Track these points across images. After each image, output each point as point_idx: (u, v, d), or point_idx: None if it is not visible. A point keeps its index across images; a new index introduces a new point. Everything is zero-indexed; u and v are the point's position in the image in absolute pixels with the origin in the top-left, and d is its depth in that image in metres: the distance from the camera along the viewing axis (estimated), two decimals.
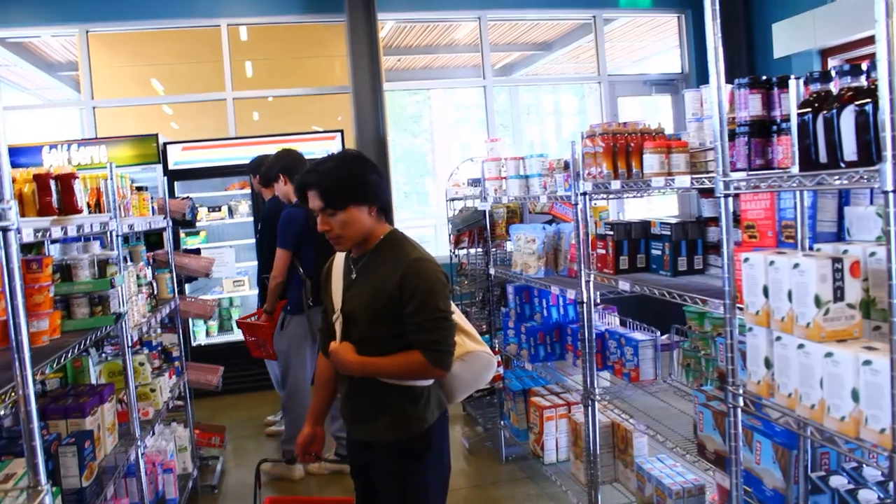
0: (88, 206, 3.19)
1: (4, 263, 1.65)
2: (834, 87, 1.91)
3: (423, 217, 10.35)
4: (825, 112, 1.85)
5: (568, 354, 4.26)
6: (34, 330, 2.61)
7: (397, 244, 2.59)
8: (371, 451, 2.63)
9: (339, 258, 2.71)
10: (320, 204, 2.49)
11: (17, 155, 6.58)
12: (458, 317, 2.68)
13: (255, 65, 8.87)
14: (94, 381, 3.40)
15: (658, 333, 3.67)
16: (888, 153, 1.58)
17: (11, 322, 1.65)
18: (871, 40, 6.80)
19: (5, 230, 1.66)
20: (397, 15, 8.54)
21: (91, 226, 2.98)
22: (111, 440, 3.10)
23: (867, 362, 1.71)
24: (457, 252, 6.15)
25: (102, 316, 3.04)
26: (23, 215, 2.55)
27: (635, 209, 8.69)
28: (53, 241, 3.47)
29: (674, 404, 3.49)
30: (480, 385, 2.81)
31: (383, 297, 2.47)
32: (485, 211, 5.09)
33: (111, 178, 3.38)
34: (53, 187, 2.67)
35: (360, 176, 2.54)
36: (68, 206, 2.76)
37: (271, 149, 7.27)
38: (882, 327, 1.93)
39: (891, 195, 1.59)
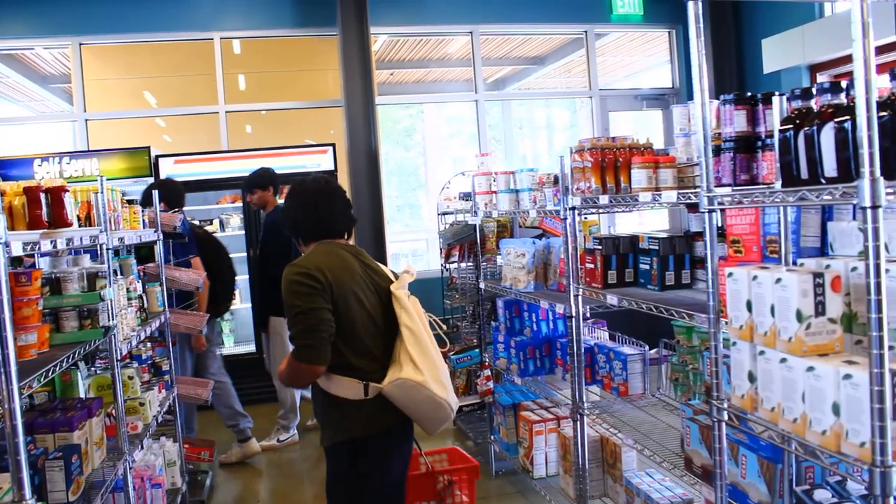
0: (79, 219, 3.19)
1: None
2: (815, 104, 1.94)
3: (415, 231, 10.36)
4: (806, 129, 1.88)
5: (557, 369, 4.27)
6: (22, 343, 2.60)
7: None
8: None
9: None
10: None
11: (9, 167, 6.59)
12: (412, 343, 2.79)
13: (247, 78, 8.90)
14: (82, 395, 3.39)
15: (647, 348, 3.69)
16: (866, 169, 1.61)
17: None
18: None
19: None
20: (390, 29, 8.59)
21: (81, 239, 2.98)
22: (99, 454, 3.09)
23: (847, 376, 1.73)
24: (447, 266, 6.16)
25: (91, 329, 3.04)
26: (13, 228, 2.56)
27: (626, 223, 8.74)
28: (43, 255, 3.47)
29: (662, 418, 3.50)
30: (431, 419, 2.87)
31: None
32: (475, 225, 5.10)
33: (102, 192, 3.39)
34: (44, 200, 2.67)
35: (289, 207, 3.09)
36: (58, 220, 2.76)
37: (264, 162, 7.31)
38: (864, 341, 1.94)
39: (869, 211, 1.61)
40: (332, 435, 2.87)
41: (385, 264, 7.94)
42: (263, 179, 5.94)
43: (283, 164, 7.37)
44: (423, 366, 2.76)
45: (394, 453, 2.90)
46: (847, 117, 1.76)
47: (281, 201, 5.47)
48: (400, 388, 2.74)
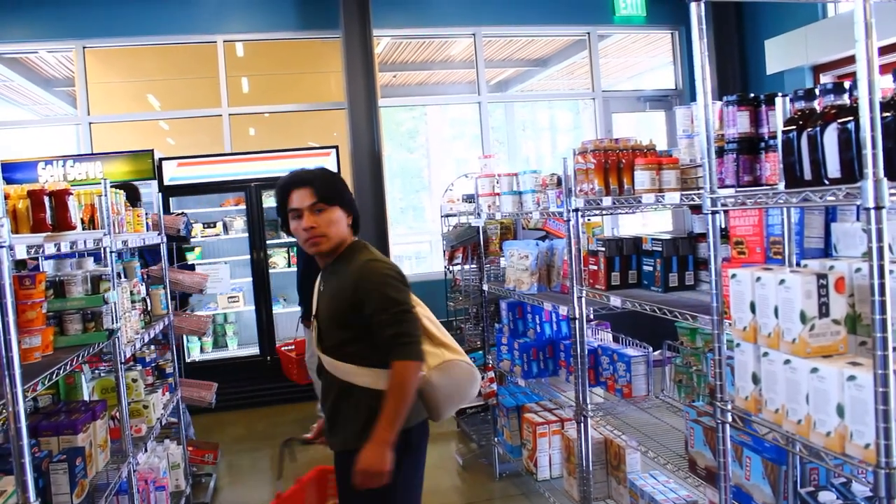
0: (83, 222, 3.20)
1: None
2: (818, 106, 1.94)
3: (418, 233, 10.36)
4: (809, 130, 1.88)
5: (561, 370, 4.26)
6: (26, 346, 2.61)
7: (357, 251, 2.71)
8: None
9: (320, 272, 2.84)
10: (312, 199, 2.61)
11: (13, 170, 6.60)
12: (434, 328, 2.72)
13: (250, 81, 8.91)
14: (86, 398, 3.40)
15: (650, 349, 3.69)
16: (869, 170, 1.61)
17: (2, 338, 1.66)
18: None
19: None
20: (393, 31, 8.60)
21: (85, 242, 2.99)
22: (103, 457, 3.09)
23: (852, 377, 1.72)
24: (451, 268, 6.16)
25: (95, 332, 3.04)
26: (17, 231, 2.56)
27: (629, 225, 8.72)
28: (47, 258, 3.48)
29: (666, 420, 3.49)
30: (465, 399, 2.77)
31: (343, 302, 2.59)
32: (478, 227, 5.10)
33: (105, 195, 3.40)
34: (47, 203, 2.68)
35: (345, 184, 2.79)
36: (62, 223, 2.77)
37: (267, 165, 7.34)
38: (868, 343, 1.94)
39: (873, 212, 1.61)
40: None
41: None
42: None
43: (286, 166, 7.37)
44: (452, 344, 2.74)
45: (425, 444, 2.79)
46: (850, 118, 1.75)
47: None
48: (446, 371, 2.63)
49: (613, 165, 3.29)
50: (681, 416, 3.25)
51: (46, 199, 2.68)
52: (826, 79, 7.38)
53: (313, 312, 2.82)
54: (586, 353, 3.67)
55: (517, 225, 5.49)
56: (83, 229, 3.18)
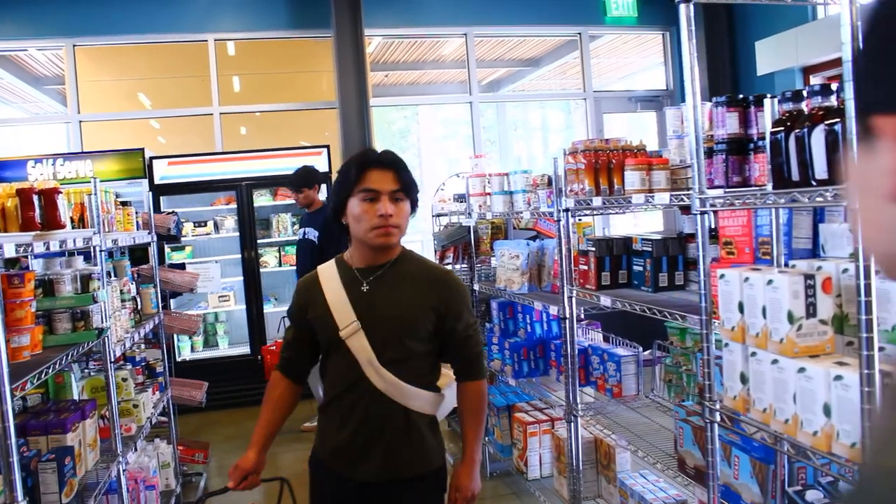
0: (72, 220, 3.19)
1: None
2: (806, 107, 1.95)
3: (409, 232, 10.29)
4: (797, 131, 1.89)
5: (552, 370, 4.27)
6: (15, 345, 2.60)
7: (418, 257, 2.49)
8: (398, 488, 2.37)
9: (328, 271, 2.43)
10: (394, 185, 2.31)
11: (2, 169, 6.57)
12: None
13: (242, 80, 8.89)
14: (76, 397, 3.39)
15: (640, 349, 3.70)
16: None
17: None
18: None
19: None
20: (384, 31, 8.60)
21: (74, 241, 2.98)
22: (92, 456, 3.09)
23: (838, 377, 1.74)
24: None
25: (85, 331, 3.03)
26: (5, 230, 2.56)
27: (620, 225, 8.75)
28: (36, 256, 3.47)
29: (656, 420, 3.50)
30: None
31: (425, 310, 2.32)
32: (469, 227, 5.11)
33: (95, 193, 3.39)
34: (36, 202, 2.67)
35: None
36: (51, 221, 2.76)
37: (258, 164, 7.33)
38: (854, 343, 1.95)
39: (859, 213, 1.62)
40: (439, 456, 2.47)
41: None
42: (311, 178, 6.02)
43: (277, 165, 7.37)
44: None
45: None
46: (837, 120, 1.77)
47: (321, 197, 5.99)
48: (452, 385, 2.52)
49: (604, 166, 3.30)
50: (670, 416, 3.26)
51: (35, 197, 2.68)
52: (816, 80, 7.41)
53: (352, 318, 2.31)
54: (576, 352, 3.68)
55: (508, 225, 5.50)
56: (73, 228, 3.17)
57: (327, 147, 7.51)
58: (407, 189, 2.36)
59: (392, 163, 2.35)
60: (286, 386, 2.50)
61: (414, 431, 2.34)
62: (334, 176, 7.16)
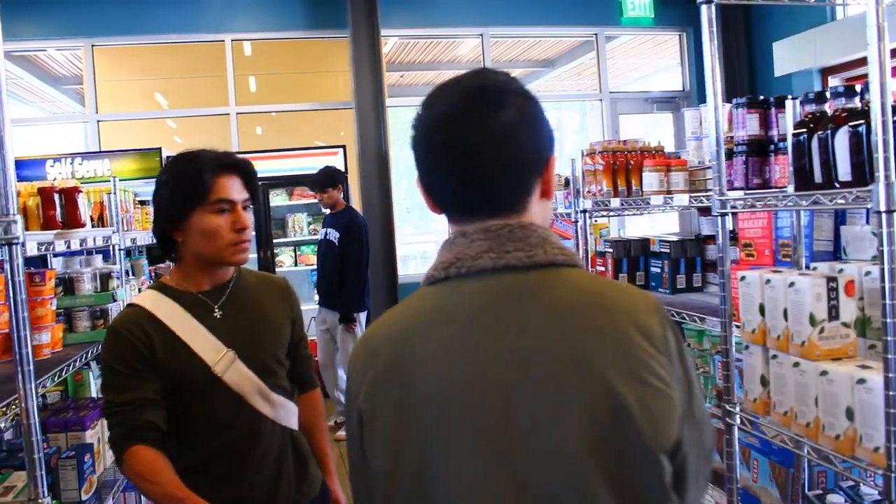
0: (92, 219, 3.21)
1: (10, 277, 1.68)
2: (829, 108, 1.94)
3: (424, 233, 10.36)
4: (820, 133, 1.88)
5: None
6: (36, 343, 2.62)
7: (248, 268, 2.20)
8: None
9: (161, 305, 1.96)
10: (245, 193, 2.04)
11: (21, 168, 6.61)
12: None
13: (258, 80, 8.92)
14: (95, 395, 3.41)
15: None
16: (881, 174, 1.61)
17: (15, 335, 1.67)
18: None
19: (11, 244, 1.69)
20: (400, 31, 8.60)
21: (94, 240, 3.00)
22: (110, 454, 3.10)
23: (861, 381, 1.72)
24: None
25: (104, 329, 3.05)
26: (26, 229, 2.58)
27: (637, 226, 8.71)
28: (56, 255, 3.49)
29: None
30: None
31: (284, 321, 2.15)
32: None
33: (115, 193, 3.41)
34: (57, 201, 2.69)
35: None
36: (72, 220, 2.78)
37: (274, 164, 7.35)
38: (878, 346, 1.94)
39: (884, 215, 1.61)
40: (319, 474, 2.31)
41: (395, 266, 7.93)
42: (335, 178, 6.10)
43: (293, 165, 7.40)
44: None
45: None
46: (862, 121, 1.75)
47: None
48: None
49: (622, 167, 3.29)
50: None
51: (56, 196, 2.70)
52: (834, 81, 7.36)
53: (222, 350, 1.96)
54: None
55: None
56: (92, 227, 3.20)
57: (343, 147, 7.53)
58: (255, 196, 2.08)
59: (238, 166, 2.07)
60: (158, 456, 1.85)
61: (303, 451, 2.15)
62: (351, 177, 7.17)
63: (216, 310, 2.00)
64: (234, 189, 2.00)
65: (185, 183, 1.96)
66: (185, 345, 1.90)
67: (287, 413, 2.07)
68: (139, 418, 1.84)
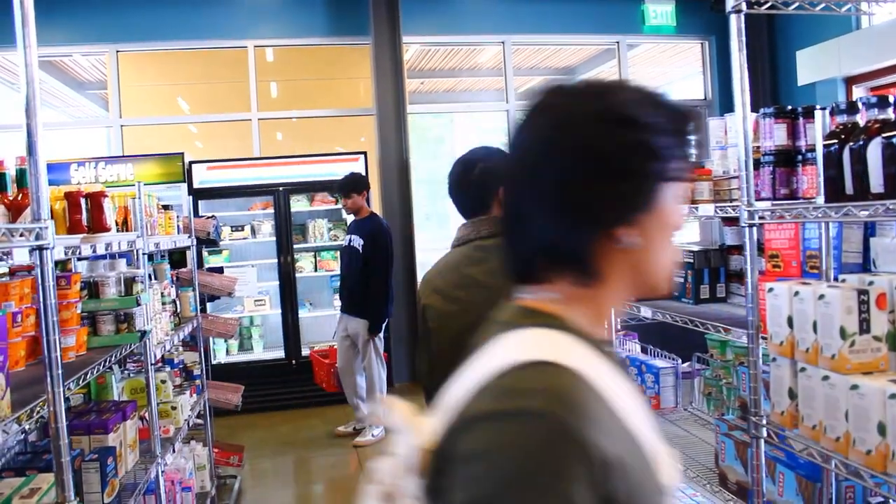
0: (116, 224, 3.23)
1: (40, 282, 1.69)
2: (860, 119, 1.92)
3: (442, 240, 10.35)
4: (852, 143, 1.86)
5: None
6: (62, 346, 2.63)
7: None
8: None
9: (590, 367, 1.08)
10: None
11: (46, 171, 6.67)
12: None
13: (280, 86, 8.97)
14: (116, 398, 3.43)
15: (679, 361, 3.65)
16: None
17: (45, 339, 1.68)
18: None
19: (42, 249, 1.70)
20: (422, 38, 8.62)
21: (119, 244, 3.02)
22: (132, 457, 3.12)
23: (894, 395, 1.70)
24: None
25: (127, 333, 3.07)
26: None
27: None
28: (81, 259, 3.52)
29: (694, 433, 3.45)
30: None
31: None
32: None
33: (139, 197, 3.43)
34: (84, 205, 2.71)
35: None
36: (98, 224, 2.80)
37: (295, 170, 7.39)
38: None
39: None
40: None
41: (415, 272, 7.92)
42: (359, 184, 6.14)
43: (314, 171, 7.43)
44: None
45: None
46: (895, 133, 1.73)
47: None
48: None
49: None
50: (709, 429, 3.22)
51: (83, 200, 2.71)
52: (859, 90, 7.30)
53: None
54: None
55: None
56: (117, 231, 3.22)
57: (364, 153, 7.55)
58: None
59: None
60: None
61: None
62: (371, 183, 7.22)
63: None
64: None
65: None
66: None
67: None
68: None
